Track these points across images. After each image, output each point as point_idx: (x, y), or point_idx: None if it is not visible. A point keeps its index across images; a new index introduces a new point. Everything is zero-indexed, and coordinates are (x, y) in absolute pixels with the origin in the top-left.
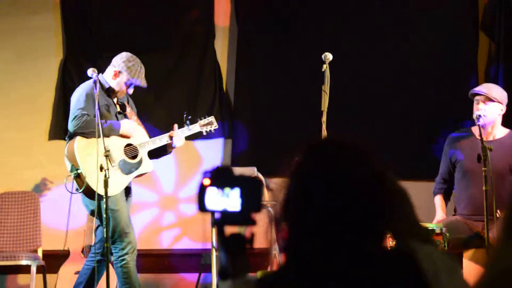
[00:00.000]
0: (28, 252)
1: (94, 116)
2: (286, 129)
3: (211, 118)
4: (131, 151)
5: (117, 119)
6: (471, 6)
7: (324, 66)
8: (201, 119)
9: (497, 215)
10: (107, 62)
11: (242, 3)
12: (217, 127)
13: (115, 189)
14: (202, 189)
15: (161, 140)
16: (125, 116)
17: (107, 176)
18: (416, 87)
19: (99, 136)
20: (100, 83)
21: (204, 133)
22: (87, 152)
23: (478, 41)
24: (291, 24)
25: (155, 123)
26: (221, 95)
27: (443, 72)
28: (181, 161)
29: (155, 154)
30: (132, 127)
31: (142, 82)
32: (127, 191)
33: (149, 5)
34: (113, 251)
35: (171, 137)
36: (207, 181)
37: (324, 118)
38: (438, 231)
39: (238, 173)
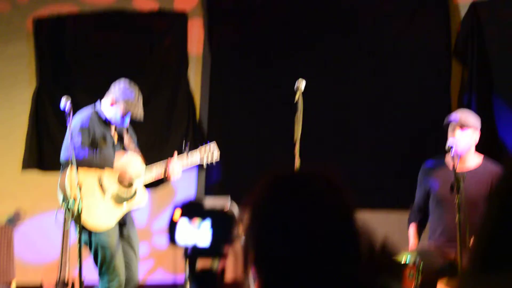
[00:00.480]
0: (2, 285)
1: (87, 148)
2: (259, 158)
3: (212, 144)
4: (126, 182)
5: (114, 148)
6: (444, 32)
7: (297, 95)
8: (201, 145)
9: (470, 244)
10: (81, 91)
11: (215, 32)
12: (218, 159)
13: (106, 222)
14: (173, 222)
15: (157, 170)
16: (123, 146)
17: (79, 208)
18: (390, 115)
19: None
20: (97, 112)
21: (205, 166)
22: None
23: (451, 68)
24: (264, 53)
25: None
26: (194, 124)
27: (417, 100)
28: (155, 192)
29: (152, 184)
30: (125, 164)
31: (139, 116)
32: (128, 221)
33: (123, 34)
34: (99, 281)
35: (166, 170)
36: (178, 214)
37: (297, 147)
38: (411, 260)
39: (209, 205)
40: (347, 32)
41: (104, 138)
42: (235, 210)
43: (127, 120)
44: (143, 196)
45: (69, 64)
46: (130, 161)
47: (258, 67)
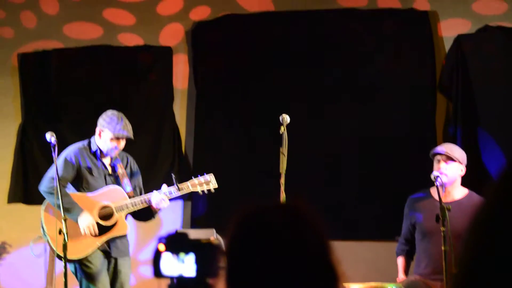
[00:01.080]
0: None
1: (69, 181)
2: (245, 191)
3: (209, 176)
4: (106, 213)
5: (106, 181)
6: (429, 66)
7: (282, 128)
8: (195, 178)
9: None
10: (66, 125)
11: (200, 67)
12: (216, 186)
13: (82, 252)
14: (157, 255)
15: (139, 203)
16: (116, 178)
17: (66, 240)
18: (375, 148)
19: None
20: (90, 146)
21: (201, 193)
22: (55, 215)
23: (436, 101)
24: (249, 87)
25: None
26: (180, 157)
27: (401, 133)
28: (140, 223)
29: (141, 216)
30: (105, 195)
31: (127, 134)
32: (117, 253)
33: (108, 68)
34: None
35: (149, 200)
36: (162, 247)
37: (282, 180)
38: None
39: (195, 237)
40: (332, 67)
41: (91, 171)
42: (220, 242)
43: (121, 142)
44: (123, 226)
45: (54, 99)
46: (111, 192)
47: (243, 101)
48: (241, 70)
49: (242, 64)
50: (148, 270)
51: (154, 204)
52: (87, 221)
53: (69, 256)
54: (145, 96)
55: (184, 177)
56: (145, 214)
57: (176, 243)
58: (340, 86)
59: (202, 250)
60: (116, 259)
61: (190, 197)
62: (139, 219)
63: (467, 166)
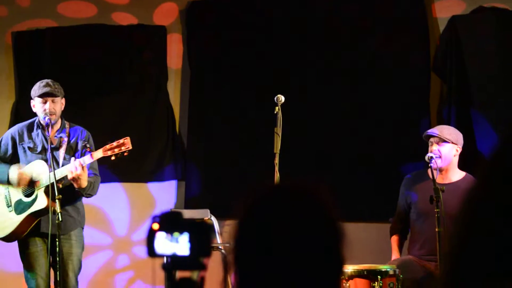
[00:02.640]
0: None
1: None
2: (239, 171)
3: (124, 140)
4: (30, 189)
5: (45, 155)
6: (423, 47)
7: (277, 108)
8: (109, 143)
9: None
10: None
11: (194, 46)
12: (129, 148)
13: (4, 229)
14: (151, 234)
15: (58, 173)
16: (54, 149)
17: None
18: (369, 129)
19: None
20: (33, 123)
21: (113, 158)
22: None
23: (430, 83)
24: (244, 66)
25: (109, 165)
26: (174, 137)
27: (396, 115)
28: (134, 203)
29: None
30: (16, 176)
31: (47, 89)
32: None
33: (102, 47)
34: None
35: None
36: (156, 226)
37: (276, 160)
38: (391, 272)
39: (189, 216)
40: (326, 48)
41: (27, 147)
42: (214, 222)
43: (50, 105)
44: (42, 201)
45: (48, 77)
46: (33, 167)
47: (238, 81)
48: (235, 50)
49: (237, 44)
50: (141, 250)
51: (70, 172)
52: (15, 174)
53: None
54: (139, 75)
55: (178, 157)
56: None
57: (170, 222)
58: (335, 67)
59: (196, 230)
60: (55, 237)
61: (184, 177)
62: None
63: (463, 148)
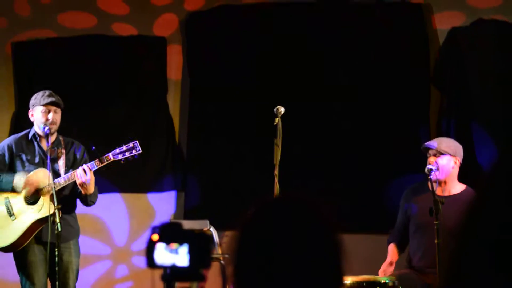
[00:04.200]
0: None
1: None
2: (238, 182)
3: (133, 144)
4: (33, 197)
5: (44, 164)
6: (422, 59)
7: (276, 119)
8: (118, 147)
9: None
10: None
11: (194, 57)
12: (139, 151)
13: (8, 238)
14: (150, 245)
15: (62, 181)
16: (54, 160)
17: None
18: (369, 140)
19: None
20: (28, 134)
21: (123, 161)
22: None
23: (430, 95)
24: (243, 77)
25: (108, 176)
26: (173, 148)
27: (396, 126)
28: (134, 213)
29: (79, 199)
30: (22, 183)
31: (53, 99)
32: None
33: (101, 58)
34: None
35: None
36: (155, 237)
37: (276, 172)
38: (390, 284)
39: (188, 227)
40: (326, 59)
41: (24, 159)
42: (214, 233)
43: (54, 116)
44: (47, 208)
45: (47, 88)
46: (37, 175)
47: (237, 91)
48: (235, 61)
49: (237, 55)
50: (141, 261)
51: (77, 177)
52: (21, 179)
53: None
54: (139, 86)
55: (177, 168)
56: (79, 197)
57: (170, 233)
58: (334, 78)
59: (195, 241)
60: (54, 246)
61: (183, 188)
62: (81, 202)
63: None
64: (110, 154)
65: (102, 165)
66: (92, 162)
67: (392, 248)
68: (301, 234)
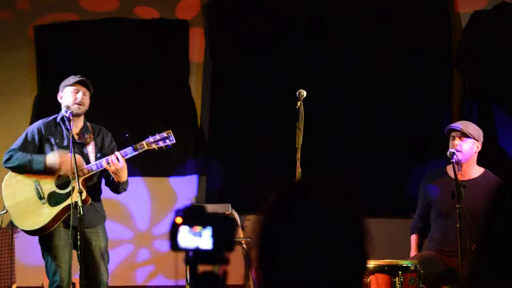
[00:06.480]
0: None
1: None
2: (260, 166)
3: (166, 133)
4: (63, 181)
5: (74, 148)
6: (445, 42)
7: (299, 103)
8: (152, 136)
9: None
10: None
11: (216, 40)
12: (173, 142)
13: (38, 222)
14: (174, 228)
15: (97, 166)
16: (82, 145)
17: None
18: (391, 124)
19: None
20: (55, 118)
21: (157, 149)
22: (14, 187)
23: (453, 78)
24: (265, 61)
25: (129, 160)
26: (195, 131)
27: (418, 109)
28: (156, 197)
29: (109, 186)
30: (57, 160)
31: (82, 77)
32: (85, 224)
33: (124, 41)
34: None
35: (108, 163)
36: (179, 220)
37: (298, 155)
38: (412, 267)
39: (210, 211)
40: (348, 43)
41: (53, 142)
42: (236, 216)
43: (82, 97)
44: (78, 194)
45: (69, 72)
46: (68, 159)
47: (259, 75)
48: (257, 44)
49: (259, 38)
50: (163, 244)
51: (110, 164)
52: (55, 157)
53: (24, 227)
54: (161, 69)
55: (199, 152)
56: (111, 184)
57: (193, 216)
58: (357, 63)
59: (219, 224)
60: (83, 231)
61: (205, 172)
62: (111, 189)
63: (483, 144)
64: (144, 142)
65: (136, 153)
66: (125, 149)
67: (415, 240)
68: (325, 218)
